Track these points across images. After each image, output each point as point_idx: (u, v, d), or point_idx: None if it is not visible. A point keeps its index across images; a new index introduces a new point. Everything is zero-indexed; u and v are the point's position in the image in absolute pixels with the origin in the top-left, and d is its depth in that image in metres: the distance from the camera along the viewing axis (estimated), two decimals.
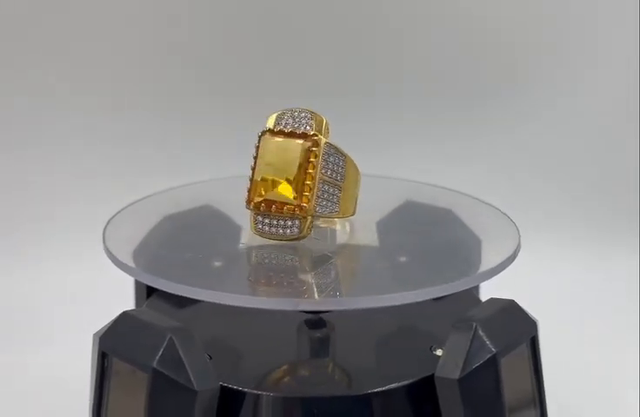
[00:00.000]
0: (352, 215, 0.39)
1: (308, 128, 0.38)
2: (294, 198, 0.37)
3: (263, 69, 0.67)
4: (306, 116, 0.38)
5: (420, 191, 0.45)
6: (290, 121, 0.38)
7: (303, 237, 0.38)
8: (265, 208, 0.37)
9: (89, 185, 0.67)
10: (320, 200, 0.37)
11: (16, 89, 0.66)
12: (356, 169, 0.39)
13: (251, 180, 0.38)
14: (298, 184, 0.37)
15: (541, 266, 0.64)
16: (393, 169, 0.51)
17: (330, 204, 0.38)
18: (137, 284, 0.44)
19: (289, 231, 0.37)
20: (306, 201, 0.37)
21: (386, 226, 0.43)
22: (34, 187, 0.67)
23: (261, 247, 0.41)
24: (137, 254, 0.38)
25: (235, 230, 0.42)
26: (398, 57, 0.67)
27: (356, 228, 0.41)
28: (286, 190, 0.37)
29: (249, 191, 0.38)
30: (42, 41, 0.66)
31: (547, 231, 0.66)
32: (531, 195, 0.68)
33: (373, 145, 0.66)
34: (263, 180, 0.37)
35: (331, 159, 0.38)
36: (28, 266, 0.64)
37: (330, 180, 0.38)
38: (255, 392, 0.35)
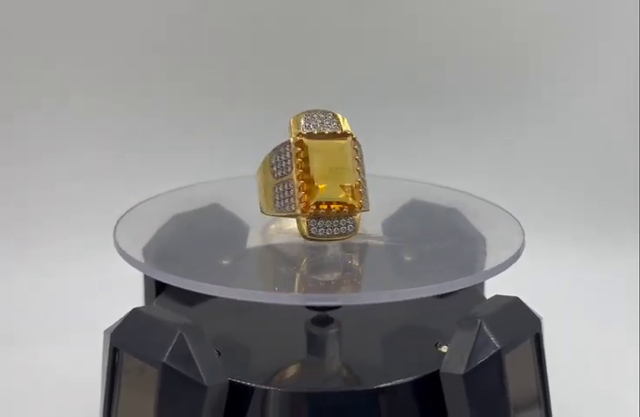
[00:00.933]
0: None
1: (342, 127, 0.38)
2: (351, 197, 0.37)
3: (267, 71, 0.68)
4: (328, 116, 0.38)
5: (425, 191, 0.46)
6: (319, 122, 0.38)
7: (356, 233, 0.38)
8: (326, 211, 0.37)
9: (99, 184, 0.67)
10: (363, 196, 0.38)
11: (21, 89, 0.67)
12: None
13: (303, 186, 0.37)
14: (354, 183, 0.37)
15: (543, 265, 0.64)
16: (395, 171, 0.51)
17: (366, 199, 0.38)
18: (147, 282, 0.45)
19: (343, 229, 0.38)
20: (360, 197, 0.38)
21: (392, 224, 0.43)
22: (44, 186, 0.67)
23: (268, 245, 0.42)
24: (147, 251, 0.39)
25: (243, 229, 0.43)
26: (399, 59, 0.68)
27: (363, 227, 0.41)
28: (342, 190, 0.37)
29: (300, 198, 0.37)
30: (49, 41, 0.66)
31: (548, 230, 0.66)
32: (532, 195, 0.69)
33: (374, 147, 0.67)
34: (320, 183, 0.37)
35: (359, 155, 0.39)
36: (38, 264, 0.65)
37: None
38: (263, 387, 0.36)
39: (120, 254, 0.38)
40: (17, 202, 0.67)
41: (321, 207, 0.37)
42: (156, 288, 0.44)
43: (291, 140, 0.38)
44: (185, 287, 0.35)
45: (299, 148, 0.38)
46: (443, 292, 0.36)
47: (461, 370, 0.34)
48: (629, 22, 0.66)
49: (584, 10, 0.66)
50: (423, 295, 0.35)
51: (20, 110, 0.67)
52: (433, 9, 0.66)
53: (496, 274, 0.37)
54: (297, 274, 0.39)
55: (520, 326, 0.37)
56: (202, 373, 0.34)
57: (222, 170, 0.52)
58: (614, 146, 0.69)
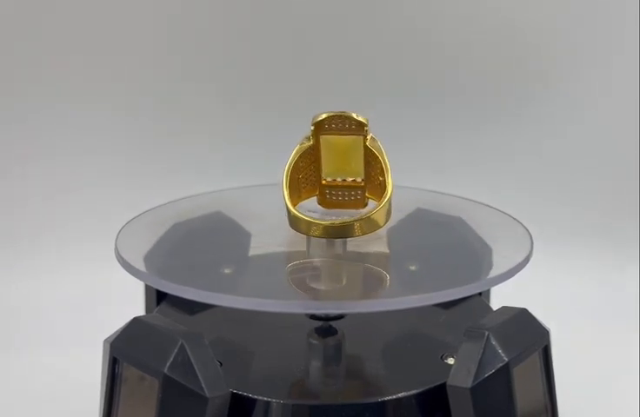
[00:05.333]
0: None
1: None
2: None
3: (274, 82, 0.68)
4: None
5: (431, 199, 0.45)
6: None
7: None
8: None
9: (103, 192, 0.67)
10: None
11: (27, 94, 0.67)
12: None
13: None
14: None
15: (552, 276, 0.64)
16: (399, 177, 0.51)
17: None
18: (148, 291, 0.44)
19: None
20: None
21: (397, 233, 0.43)
22: (48, 193, 0.67)
23: (270, 253, 0.42)
24: (148, 260, 0.38)
25: (245, 237, 0.42)
26: (404, 64, 0.67)
27: (368, 236, 0.41)
28: None
29: None
30: (56, 46, 0.66)
31: (556, 241, 0.66)
32: (538, 202, 0.68)
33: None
34: None
35: None
36: (39, 272, 0.64)
37: None
38: (265, 399, 0.35)
39: (121, 264, 0.37)
40: (19, 210, 0.67)
41: None
42: (157, 297, 0.43)
43: None
44: (185, 296, 0.34)
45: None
46: (443, 300, 0.35)
47: (468, 383, 0.34)
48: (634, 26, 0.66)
49: (597, 18, 0.66)
50: (424, 304, 0.35)
51: (32, 116, 0.67)
52: (445, 10, 0.66)
53: (498, 283, 0.36)
54: (299, 283, 0.39)
55: (528, 338, 0.36)
56: (203, 385, 0.33)
57: (224, 180, 0.52)
58: (626, 154, 0.68)
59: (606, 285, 0.64)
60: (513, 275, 0.37)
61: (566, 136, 0.68)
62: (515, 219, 0.42)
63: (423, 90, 0.68)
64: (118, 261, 0.37)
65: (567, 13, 0.66)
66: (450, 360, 0.38)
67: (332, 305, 0.36)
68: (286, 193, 0.38)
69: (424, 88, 0.68)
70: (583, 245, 0.68)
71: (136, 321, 0.36)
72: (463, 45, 0.67)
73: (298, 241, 0.40)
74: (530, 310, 0.38)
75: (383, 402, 0.36)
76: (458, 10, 0.66)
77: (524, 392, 0.36)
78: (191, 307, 0.42)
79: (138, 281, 0.38)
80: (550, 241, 0.64)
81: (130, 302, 0.48)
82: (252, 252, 0.42)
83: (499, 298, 0.45)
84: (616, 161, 0.69)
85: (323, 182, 0.40)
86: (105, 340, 0.36)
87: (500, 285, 0.37)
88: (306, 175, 0.40)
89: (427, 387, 0.36)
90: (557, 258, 0.65)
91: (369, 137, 0.39)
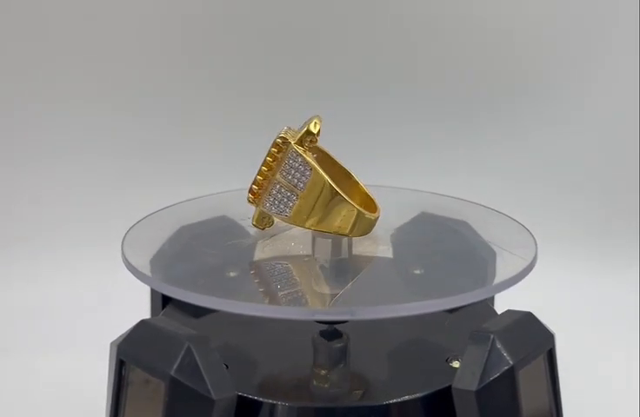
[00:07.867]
0: (310, 229, 0.39)
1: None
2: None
3: (270, 86, 0.68)
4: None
5: (435, 202, 0.45)
6: None
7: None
8: None
9: (107, 196, 0.67)
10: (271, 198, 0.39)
11: (28, 96, 0.67)
12: (329, 189, 0.38)
13: None
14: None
15: (556, 279, 0.64)
16: (405, 181, 0.51)
17: (281, 205, 0.39)
18: (153, 294, 0.44)
19: None
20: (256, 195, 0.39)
21: (401, 237, 0.43)
22: (53, 196, 0.67)
23: (275, 257, 0.42)
24: (154, 263, 0.38)
25: (250, 241, 0.42)
26: (406, 68, 0.68)
27: (372, 240, 0.41)
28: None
29: None
30: (61, 49, 0.66)
31: (559, 243, 0.66)
32: (543, 207, 0.68)
33: (383, 156, 0.66)
34: None
35: (295, 165, 0.38)
36: (45, 275, 0.65)
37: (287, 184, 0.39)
38: (271, 401, 0.35)
39: (127, 267, 0.37)
40: (24, 212, 0.67)
41: None
42: (163, 300, 0.43)
43: None
44: (191, 302, 0.34)
45: None
46: (453, 306, 0.36)
47: (474, 386, 0.34)
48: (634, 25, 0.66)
49: (596, 18, 0.66)
50: (432, 310, 0.35)
51: (36, 120, 0.67)
52: (442, 18, 0.66)
53: (508, 287, 0.36)
54: (305, 288, 0.39)
55: (533, 341, 0.36)
56: (210, 387, 0.33)
57: (229, 182, 0.52)
58: (624, 157, 0.68)
59: (611, 288, 0.64)
60: (521, 279, 0.37)
61: (566, 137, 0.68)
62: (519, 222, 0.42)
63: (424, 92, 0.68)
64: (125, 265, 0.37)
65: (566, 13, 0.66)
66: (456, 364, 0.38)
67: (343, 311, 0.36)
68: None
69: (425, 89, 0.68)
70: (587, 247, 0.68)
71: (142, 324, 0.36)
72: (462, 45, 0.67)
73: (304, 245, 0.40)
74: (535, 313, 0.38)
75: (388, 405, 0.36)
76: (458, 10, 0.66)
77: (529, 395, 0.36)
78: (197, 310, 0.42)
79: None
80: (554, 243, 0.64)
81: (135, 304, 0.48)
82: (257, 255, 0.42)
83: (504, 301, 0.45)
84: (616, 162, 0.69)
85: None
86: (112, 343, 0.36)
87: None
88: None
89: (432, 390, 0.36)
90: (562, 261, 0.65)
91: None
